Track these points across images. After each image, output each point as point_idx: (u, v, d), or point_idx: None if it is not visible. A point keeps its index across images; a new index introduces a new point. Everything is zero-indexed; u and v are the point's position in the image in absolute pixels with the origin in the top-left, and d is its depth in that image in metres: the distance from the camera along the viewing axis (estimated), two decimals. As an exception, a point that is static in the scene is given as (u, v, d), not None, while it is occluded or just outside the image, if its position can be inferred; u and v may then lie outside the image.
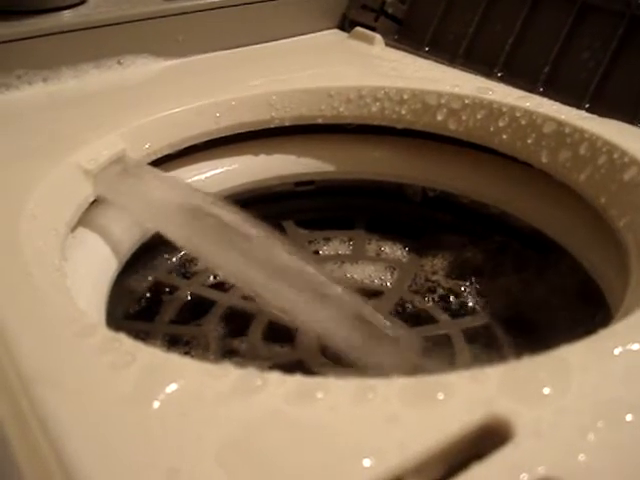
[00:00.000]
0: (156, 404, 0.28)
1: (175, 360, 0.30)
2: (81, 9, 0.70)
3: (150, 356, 0.31)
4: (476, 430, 0.26)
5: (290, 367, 0.50)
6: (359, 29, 0.78)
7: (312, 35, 0.81)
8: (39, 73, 0.65)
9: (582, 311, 0.54)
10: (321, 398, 0.28)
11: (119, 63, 0.70)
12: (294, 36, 0.80)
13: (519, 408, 0.27)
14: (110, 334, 0.32)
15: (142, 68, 0.70)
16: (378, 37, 0.76)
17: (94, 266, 0.49)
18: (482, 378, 0.28)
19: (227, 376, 0.29)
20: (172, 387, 0.29)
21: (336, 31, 0.82)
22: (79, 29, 0.66)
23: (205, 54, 0.74)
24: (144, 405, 0.28)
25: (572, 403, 0.28)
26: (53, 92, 0.65)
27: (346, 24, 0.82)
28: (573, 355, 0.30)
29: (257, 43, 0.78)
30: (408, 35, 0.79)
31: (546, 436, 0.26)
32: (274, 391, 0.28)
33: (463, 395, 0.28)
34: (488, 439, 0.26)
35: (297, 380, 0.29)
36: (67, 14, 0.68)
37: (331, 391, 0.28)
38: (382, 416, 0.27)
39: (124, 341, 0.32)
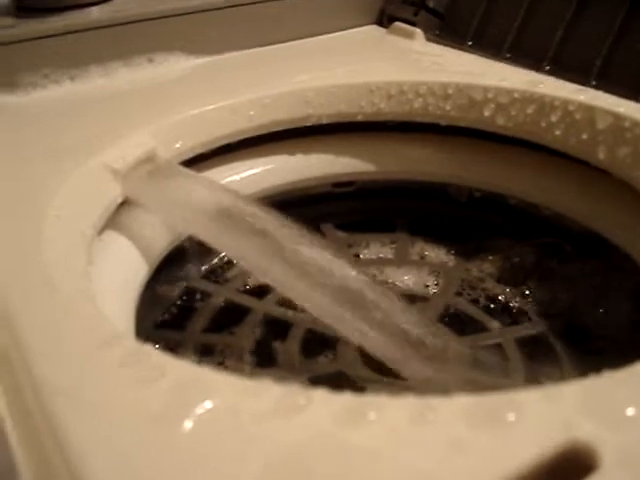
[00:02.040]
0: (188, 424, 0.25)
1: (208, 375, 0.27)
2: (109, 5, 0.68)
3: (181, 370, 0.28)
4: (555, 458, 0.22)
5: (331, 379, 0.47)
6: (398, 24, 0.75)
7: (349, 31, 0.78)
8: (66, 72, 0.63)
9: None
10: (374, 420, 0.24)
11: (150, 61, 0.67)
12: (329, 33, 0.77)
13: (602, 432, 0.23)
14: (136, 346, 0.29)
15: (174, 66, 0.68)
16: (419, 32, 0.73)
17: (122, 271, 0.46)
18: (557, 396, 0.25)
19: (267, 393, 0.26)
20: (205, 405, 0.25)
21: (374, 27, 0.79)
22: (107, 26, 0.64)
23: (239, 51, 0.71)
24: (174, 425, 0.25)
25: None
26: (81, 91, 0.63)
27: (384, 19, 0.79)
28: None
29: (292, 40, 0.75)
30: (450, 30, 0.75)
31: (636, 466, 0.22)
32: (320, 411, 0.25)
33: (537, 416, 0.24)
34: (569, 468, 0.22)
35: (345, 399, 0.25)
36: (94, 11, 0.66)
37: (385, 411, 0.24)
38: (445, 440, 0.23)
39: (152, 353, 0.29)
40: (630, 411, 0.24)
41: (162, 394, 0.26)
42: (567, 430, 0.23)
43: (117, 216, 0.49)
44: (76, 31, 0.63)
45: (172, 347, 0.50)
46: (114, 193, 0.48)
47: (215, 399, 0.26)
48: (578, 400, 0.25)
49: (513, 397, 0.25)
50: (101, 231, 0.46)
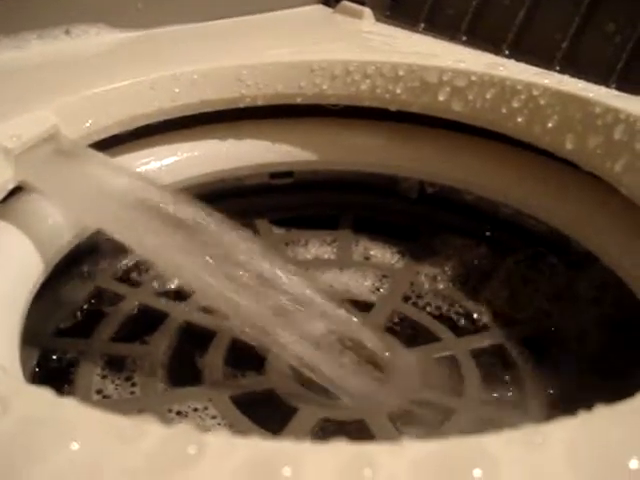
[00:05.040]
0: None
1: (70, 408, 0.20)
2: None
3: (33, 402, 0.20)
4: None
5: (258, 398, 0.41)
6: (346, 3, 0.70)
7: (292, 10, 0.72)
8: (-29, 42, 0.56)
9: (615, 328, 0.46)
10: (288, 477, 0.17)
11: (67, 33, 0.61)
12: (269, 11, 0.71)
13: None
14: None
15: (94, 39, 0.61)
16: (367, 11, 0.68)
17: (11, 269, 0.39)
18: (538, 443, 0.18)
19: (145, 438, 0.19)
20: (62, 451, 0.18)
21: (320, 6, 0.74)
22: (18, -8, 0.57)
23: (169, 26, 0.65)
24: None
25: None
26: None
27: (331, -1, 0.73)
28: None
29: (229, 17, 0.69)
30: (402, 10, 0.70)
31: None
32: (214, 465, 0.18)
33: (512, 472, 0.18)
34: None
35: (252, 446, 0.18)
36: (5, -25, 0.58)
37: (304, 465, 0.18)
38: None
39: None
40: (634, 464, 0.18)
41: (7, 433, 0.19)
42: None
43: (8, 204, 0.42)
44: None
45: (73, 358, 0.43)
46: (5, 177, 0.41)
47: (77, 442, 0.19)
48: (566, 448, 0.18)
49: (482, 444, 0.18)
50: (-14, 221, 0.39)
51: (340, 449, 0.18)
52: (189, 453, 0.18)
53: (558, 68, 0.57)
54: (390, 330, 0.47)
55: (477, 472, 0.17)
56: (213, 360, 0.43)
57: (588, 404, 0.20)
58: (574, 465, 0.18)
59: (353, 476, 0.17)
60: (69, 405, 0.20)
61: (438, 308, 0.49)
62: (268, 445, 0.18)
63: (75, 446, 0.19)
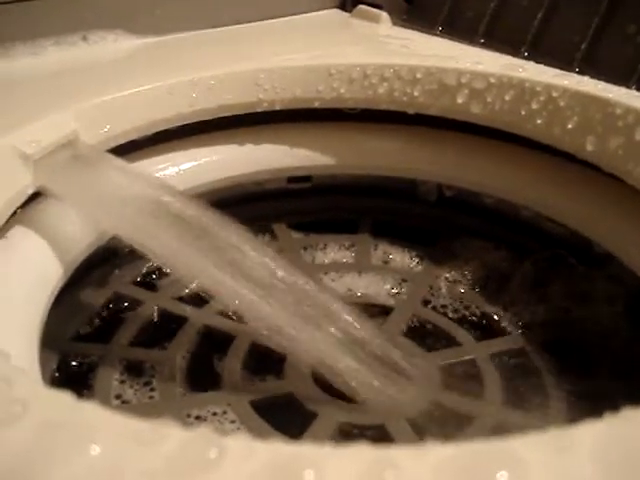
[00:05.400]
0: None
1: (88, 413, 0.20)
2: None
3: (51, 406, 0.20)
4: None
5: (277, 402, 0.40)
6: (363, 7, 0.69)
7: (309, 15, 0.72)
8: (-12, 49, 0.56)
9: (638, 328, 0.45)
10: (310, 481, 0.17)
11: (84, 39, 0.60)
12: (286, 16, 0.71)
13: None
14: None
15: (111, 46, 0.61)
16: (385, 15, 0.67)
17: (31, 275, 0.39)
18: (564, 446, 0.18)
19: (164, 441, 0.18)
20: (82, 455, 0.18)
21: (336, 10, 0.73)
22: (35, -2, 0.57)
23: (187, 32, 0.65)
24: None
25: None
26: (3, 70, 0.55)
27: (347, 3, 0.73)
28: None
29: (247, 22, 0.69)
30: (419, 14, 0.69)
31: None
32: (236, 469, 0.18)
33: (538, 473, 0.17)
34: None
35: (272, 449, 0.18)
36: (21, -19, 0.58)
37: (326, 469, 0.17)
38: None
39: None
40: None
41: (26, 436, 0.19)
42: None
43: (27, 210, 0.42)
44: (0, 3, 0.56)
45: (93, 362, 0.43)
46: (24, 182, 0.41)
47: (97, 446, 0.19)
48: (593, 452, 0.18)
49: (508, 447, 0.18)
50: (6, 227, 0.40)
51: (362, 452, 0.18)
52: (209, 457, 0.18)
53: (577, 69, 0.56)
54: (410, 334, 0.47)
55: (503, 475, 0.17)
56: (232, 364, 0.43)
57: (613, 406, 0.20)
58: (601, 468, 0.17)
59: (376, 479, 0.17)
60: (89, 408, 0.20)
61: (458, 312, 0.49)
62: (289, 449, 0.18)
63: (95, 449, 0.18)
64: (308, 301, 0.39)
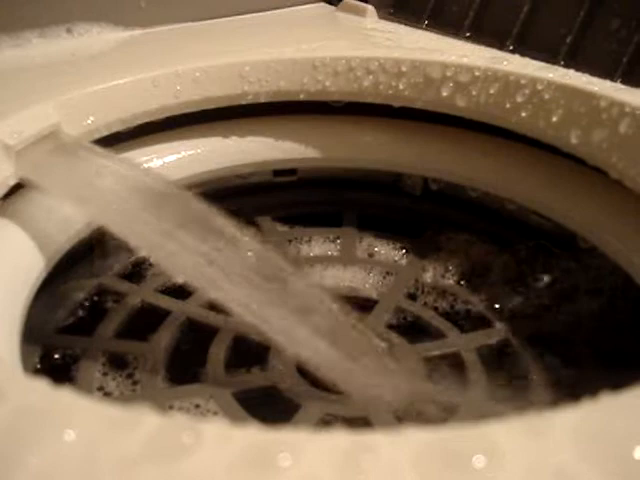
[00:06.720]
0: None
1: (65, 398, 0.20)
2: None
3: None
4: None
5: (260, 394, 0.40)
6: (349, 0, 0.69)
7: (296, 8, 0.72)
8: (-30, 41, 0.56)
9: (620, 321, 0.45)
10: (287, 466, 0.17)
11: (68, 31, 0.60)
12: (274, 9, 0.71)
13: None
14: None
15: (96, 38, 0.61)
16: (370, 8, 0.67)
17: (11, 266, 0.39)
18: (542, 431, 0.18)
19: (139, 427, 0.18)
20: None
21: (322, 4, 0.73)
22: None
23: (172, 24, 0.65)
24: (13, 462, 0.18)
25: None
26: (-15, 63, 0.55)
27: (334, -3, 0.73)
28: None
29: (232, 15, 0.69)
30: (405, 7, 0.69)
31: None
32: (212, 454, 0.17)
33: (517, 460, 0.17)
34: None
35: (248, 434, 0.18)
36: (4, -28, 0.58)
37: (303, 454, 0.17)
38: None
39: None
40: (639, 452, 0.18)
41: (1, 422, 0.19)
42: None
43: (9, 200, 0.42)
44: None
45: (75, 355, 0.43)
46: (5, 173, 0.40)
47: (74, 430, 0.19)
48: (570, 436, 0.18)
49: (485, 432, 0.18)
50: (-14, 218, 0.39)
51: (339, 437, 0.18)
52: (185, 442, 0.18)
53: (563, 63, 0.56)
54: (394, 327, 0.46)
55: (480, 459, 0.17)
56: (215, 357, 0.43)
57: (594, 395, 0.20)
58: (577, 452, 0.17)
59: (352, 463, 0.17)
60: (63, 395, 0.20)
61: (443, 305, 0.49)
62: (266, 434, 0.18)
63: (70, 435, 0.18)
64: (293, 293, 0.38)
